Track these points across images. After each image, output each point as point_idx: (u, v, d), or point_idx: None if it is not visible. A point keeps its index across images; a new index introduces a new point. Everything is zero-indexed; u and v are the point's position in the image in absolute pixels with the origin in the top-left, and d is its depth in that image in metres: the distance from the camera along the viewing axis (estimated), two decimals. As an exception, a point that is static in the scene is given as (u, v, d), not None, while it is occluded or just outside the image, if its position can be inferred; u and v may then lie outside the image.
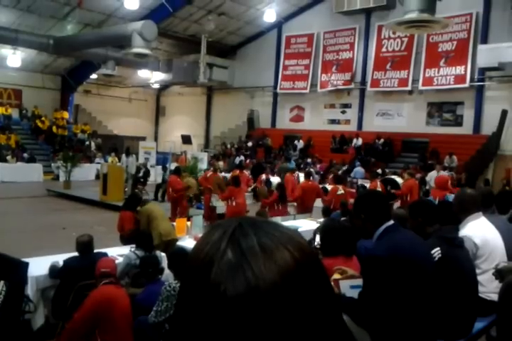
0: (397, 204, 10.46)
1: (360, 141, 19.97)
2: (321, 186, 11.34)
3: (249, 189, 12.99)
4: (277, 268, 0.53)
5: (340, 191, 9.58)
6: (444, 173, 13.53)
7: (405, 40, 19.65)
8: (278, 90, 23.83)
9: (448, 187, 10.14)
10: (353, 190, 11.18)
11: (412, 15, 9.45)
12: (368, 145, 19.61)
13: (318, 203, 10.06)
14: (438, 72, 18.69)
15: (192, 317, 0.54)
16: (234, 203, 9.20)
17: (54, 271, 4.62)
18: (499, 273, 2.98)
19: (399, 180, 12.04)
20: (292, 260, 0.54)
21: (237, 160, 19.84)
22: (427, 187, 12.81)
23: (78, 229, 7.23)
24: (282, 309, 0.52)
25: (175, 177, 10.54)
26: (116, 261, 4.64)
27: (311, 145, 21.12)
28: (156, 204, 7.50)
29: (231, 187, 9.46)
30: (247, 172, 14.60)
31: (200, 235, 6.76)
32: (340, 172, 15.37)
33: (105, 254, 4.80)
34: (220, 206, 10.30)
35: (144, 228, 6.28)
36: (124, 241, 6.51)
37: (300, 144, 21.42)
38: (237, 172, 12.43)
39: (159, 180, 14.92)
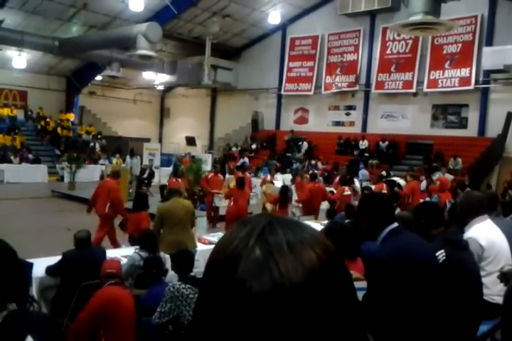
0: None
1: (365, 143, 19.95)
2: (328, 190, 11.33)
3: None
4: (303, 269, 0.54)
5: (347, 192, 9.64)
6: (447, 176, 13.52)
7: (410, 42, 19.63)
8: (282, 92, 23.84)
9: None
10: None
11: (417, 18, 9.45)
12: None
13: (324, 205, 10.07)
14: (443, 74, 18.65)
15: (213, 312, 0.54)
16: (235, 205, 9.21)
17: (50, 267, 4.65)
18: (504, 276, 2.97)
19: (402, 182, 12.02)
20: (318, 261, 0.55)
21: (241, 161, 19.84)
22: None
23: (82, 230, 7.25)
24: (305, 309, 0.52)
25: (172, 178, 10.65)
26: (120, 262, 4.66)
27: (313, 147, 21.13)
28: (180, 201, 6.41)
29: (234, 188, 9.49)
30: (249, 174, 14.60)
31: (204, 236, 6.77)
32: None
33: (102, 248, 4.86)
34: (223, 207, 10.32)
35: (154, 229, 6.16)
36: (133, 241, 6.48)
37: (304, 146, 21.42)
38: (240, 173, 12.42)
39: (164, 182, 14.94)
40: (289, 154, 21.49)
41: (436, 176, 13.35)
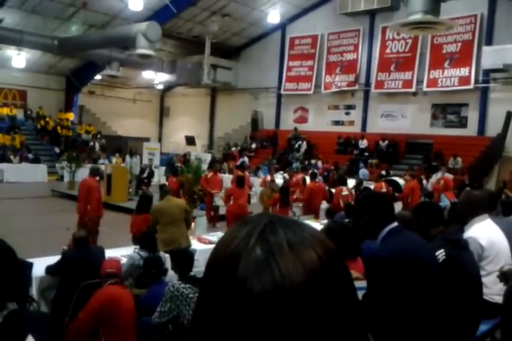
0: (398, 205, 10.44)
1: (365, 143, 19.95)
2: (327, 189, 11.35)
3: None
4: (304, 269, 0.54)
5: (345, 192, 9.64)
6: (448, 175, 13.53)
7: (409, 41, 19.62)
8: (282, 91, 23.84)
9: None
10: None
11: (416, 17, 9.46)
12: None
13: (324, 204, 10.08)
14: (442, 74, 18.65)
15: (214, 312, 0.54)
16: (235, 204, 9.20)
17: (50, 267, 4.65)
18: (503, 276, 2.97)
19: (401, 181, 12.03)
20: (319, 261, 0.55)
21: (240, 160, 19.84)
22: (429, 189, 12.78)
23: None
24: (305, 309, 0.52)
25: (171, 177, 10.65)
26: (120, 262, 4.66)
27: (312, 146, 21.12)
28: (173, 200, 6.60)
29: (233, 188, 9.48)
30: (248, 174, 14.61)
31: (204, 236, 6.77)
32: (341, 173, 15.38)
33: (101, 248, 4.87)
34: (223, 205, 10.34)
35: (151, 228, 6.19)
36: (137, 242, 6.47)
37: (304, 145, 21.41)
38: (239, 172, 12.43)
39: (163, 181, 14.92)
40: (287, 155, 21.44)
41: (438, 175, 13.36)
